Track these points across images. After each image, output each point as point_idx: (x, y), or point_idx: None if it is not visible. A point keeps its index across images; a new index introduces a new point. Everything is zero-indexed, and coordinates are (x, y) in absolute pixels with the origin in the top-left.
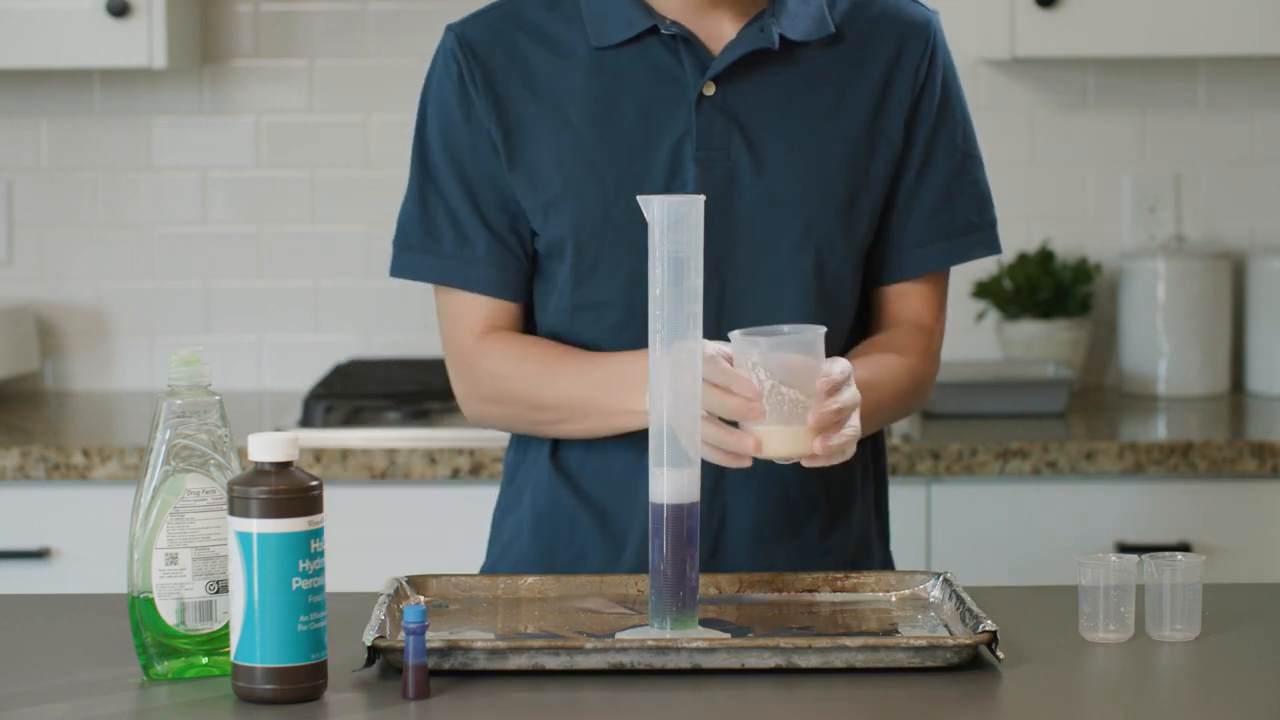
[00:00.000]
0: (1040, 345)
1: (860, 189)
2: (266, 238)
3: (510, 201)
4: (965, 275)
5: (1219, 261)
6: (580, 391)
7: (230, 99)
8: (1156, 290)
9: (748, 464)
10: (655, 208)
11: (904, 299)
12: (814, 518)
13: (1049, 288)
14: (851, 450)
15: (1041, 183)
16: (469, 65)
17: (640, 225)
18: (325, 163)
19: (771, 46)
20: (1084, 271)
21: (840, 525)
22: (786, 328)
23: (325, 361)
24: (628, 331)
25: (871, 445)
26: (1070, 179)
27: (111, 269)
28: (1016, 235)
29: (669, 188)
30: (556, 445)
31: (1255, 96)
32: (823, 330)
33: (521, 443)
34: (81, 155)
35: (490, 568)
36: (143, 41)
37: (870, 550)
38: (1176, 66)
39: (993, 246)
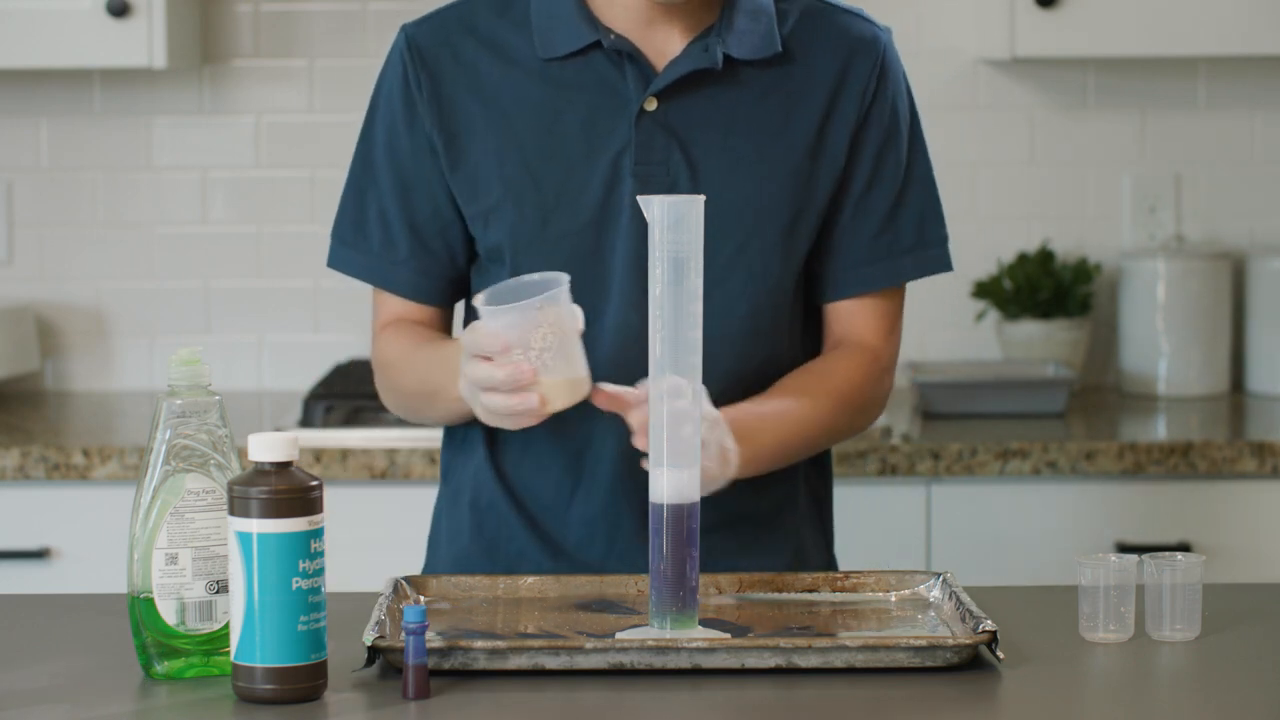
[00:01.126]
0: (1040, 345)
1: (803, 206)
2: (266, 238)
3: (444, 209)
4: (965, 276)
5: (1219, 261)
6: (431, 378)
7: (230, 99)
8: (1156, 290)
9: (536, 420)
10: (655, 207)
11: (850, 318)
12: (747, 522)
13: (1049, 288)
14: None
15: (1041, 183)
16: (415, 69)
17: (577, 235)
18: (325, 163)
19: (714, 67)
20: (1084, 271)
21: (777, 532)
22: (529, 277)
23: (325, 361)
24: None
25: (809, 465)
26: (1070, 179)
27: (111, 269)
28: (1016, 235)
29: (607, 201)
30: (493, 444)
31: (1255, 96)
32: (565, 277)
33: (454, 442)
34: (81, 155)
35: (431, 567)
36: (143, 41)
37: (808, 558)
38: (1176, 66)
39: (938, 265)
